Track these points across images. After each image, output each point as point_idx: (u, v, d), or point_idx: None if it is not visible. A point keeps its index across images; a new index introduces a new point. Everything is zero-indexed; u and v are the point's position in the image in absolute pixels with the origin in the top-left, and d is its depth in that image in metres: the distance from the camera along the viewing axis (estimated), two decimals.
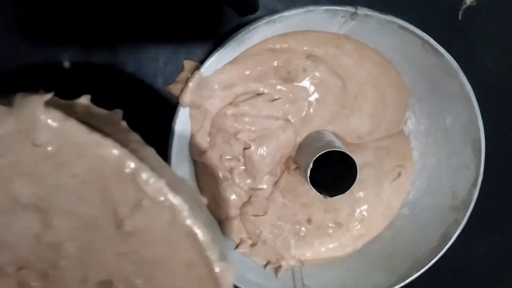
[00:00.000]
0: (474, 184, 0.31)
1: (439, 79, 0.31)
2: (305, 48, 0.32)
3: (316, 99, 0.33)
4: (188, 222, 0.17)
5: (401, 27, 0.29)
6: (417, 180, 0.36)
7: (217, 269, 0.17)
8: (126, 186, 0.18)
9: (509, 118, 0.36)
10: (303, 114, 0.33)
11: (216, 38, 0.32)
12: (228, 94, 0.31)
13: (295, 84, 0.32)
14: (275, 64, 0.31)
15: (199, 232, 0.18)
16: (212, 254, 0.18)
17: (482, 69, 0.34)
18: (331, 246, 0.36)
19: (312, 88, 0.33)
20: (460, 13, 0.33)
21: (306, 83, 0.32)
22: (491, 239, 0.38)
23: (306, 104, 0.33)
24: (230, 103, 0.31)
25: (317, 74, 0.32)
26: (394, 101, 0.34)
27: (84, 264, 0.20)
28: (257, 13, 0.30)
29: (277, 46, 0.31)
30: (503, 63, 0.35)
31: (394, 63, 0.33)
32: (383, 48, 0.32)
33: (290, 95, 0.32)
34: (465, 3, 0.33)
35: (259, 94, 0.32)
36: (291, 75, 0.32)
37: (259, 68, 0.31)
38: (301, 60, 0.32)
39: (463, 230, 0.32)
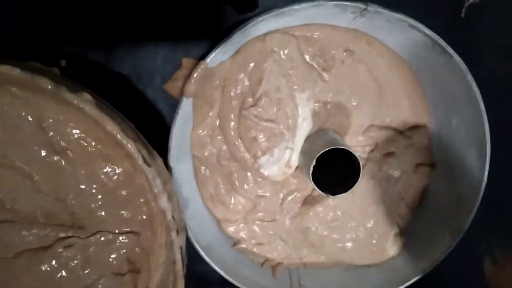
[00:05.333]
0: (477, 189, 0.31)
1: (446, 81, 0.31)
2: (338, 40, 0.31)
3: (355, 105, 0.32)
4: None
5: (411, 26, 0.29)
6: None
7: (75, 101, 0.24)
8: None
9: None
10: (343, 111, 0.32)
11: (215, 36, 0.32)
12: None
13: (336, 74, 0.32)
14: (311, 51, 0.31)
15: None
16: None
17: (484, 67, 0.33)
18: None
19: (353, 89, 0.32)
20: (463, 10, 0.33)
21: (347, 81, 0.32)
22: (495, 244, 0.37)
23: (348, 103, 0.32)
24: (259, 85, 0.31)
25: (356, 73, 0.32)
26: (423, 109, 0.34)
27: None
28: (256, 11, 0.30)
29: (308, 34, 0.31)
30: (507, 61, 0.34)
31: None
32: (391, 46, 0.32)
33: (333, 85, 0.32)
34: (468, 1, 0.33)
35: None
36: (327, 63, 0.31)
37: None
38: (337, 50, 0.31)
39: (465, 234, 0.31)
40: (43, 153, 0.27)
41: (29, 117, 0.26)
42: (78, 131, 0.26)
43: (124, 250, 0.28)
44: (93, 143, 0.27)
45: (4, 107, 0.26)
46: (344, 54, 0.31)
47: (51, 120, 0.26)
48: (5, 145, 0.26)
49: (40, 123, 0.26)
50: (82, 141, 0.27)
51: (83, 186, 0.27)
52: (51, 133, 0.26)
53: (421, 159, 0.34)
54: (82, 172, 0.27)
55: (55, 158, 0.27)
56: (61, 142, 0.27)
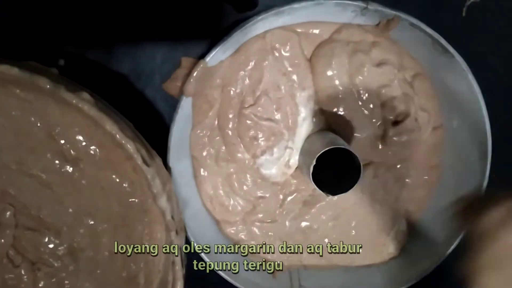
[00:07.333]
0: (478, 188, 0.31)
1: (447, 80, 0.31)
2: (346, 36, 0.31)
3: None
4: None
5: (412, 24, 0.28)
6: None
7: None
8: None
9: None
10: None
11: (214, 35, 0.31)
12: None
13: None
14: (312, 49, 0.31)
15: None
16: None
17: (485, 67, 0.33)
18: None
19: None
20: (464, 9, 0.33)
21: None
22: None
23: None
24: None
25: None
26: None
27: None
28: (255, 10, 0.30)
29: (310, 31, 0.30)
30: (507, 61, 0.34)
31: None
32: None
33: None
34: None
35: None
36: None
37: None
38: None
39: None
40: (56, 162, 0.27)
41: (39, 123, 0.26)
42: (81, 137, 0.27)
43: None
44: (98, 150, 0.27)
45: (12, 111, 0.26)
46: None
47: (59, 128, 0.26)
48: (19, 150, 0.27)
49: (50, 131, 0.26)
50: (89, 150, 0.27)
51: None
52: (61, 141, 0.27)
53: (434, 161, 0.34)
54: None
55: (68, 167, 0.27)
56: (71, 150, 0.27)
